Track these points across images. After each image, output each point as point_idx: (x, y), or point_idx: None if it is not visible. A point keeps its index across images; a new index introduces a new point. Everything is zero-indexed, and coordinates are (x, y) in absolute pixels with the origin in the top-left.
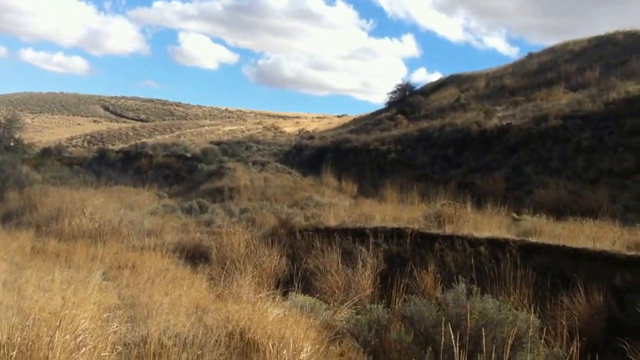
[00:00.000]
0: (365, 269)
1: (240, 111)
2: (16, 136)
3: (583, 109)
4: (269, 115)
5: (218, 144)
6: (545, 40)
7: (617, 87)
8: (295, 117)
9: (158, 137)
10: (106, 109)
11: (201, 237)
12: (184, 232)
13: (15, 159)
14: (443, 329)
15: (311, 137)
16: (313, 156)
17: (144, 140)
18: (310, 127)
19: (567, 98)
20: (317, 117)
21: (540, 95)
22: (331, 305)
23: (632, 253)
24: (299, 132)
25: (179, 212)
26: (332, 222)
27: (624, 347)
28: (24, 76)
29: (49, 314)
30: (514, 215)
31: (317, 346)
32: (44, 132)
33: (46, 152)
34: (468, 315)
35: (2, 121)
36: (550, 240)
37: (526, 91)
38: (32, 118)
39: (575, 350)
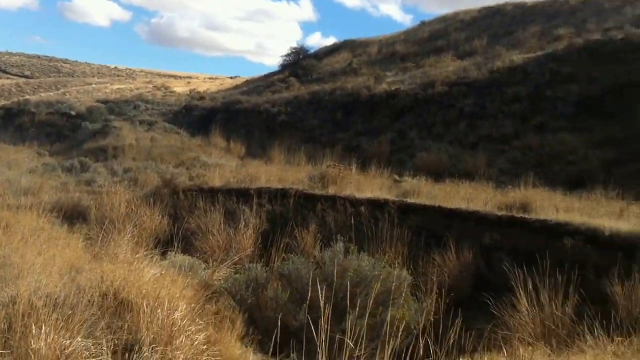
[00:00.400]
0: (247, 229)
1: (130, 70)
2: None
3: (469, 77)
4: (160, 75)
5: (105, 102)
6: (438, 9)
7: (503, 56)
8: (187, 78)
9: (42, 95)
10: None
11: (81, 196)
12: (63, 191)
13: None
14: (319, 286)
15: (202, 98)
16: (203, 117)
17: (28, 97)
18: (202, 88)
19: (455, 66)
20: (210, 78)
21: (429, 62)
22: (211, 265)
23: (502, 214)
24: (190, 93)
25: (59, 171)
26: (217, 183)
27: (489, 302)
28: None
29: None
30: (396, 177)
31: (192, 305)
32: None
33: None
34: (336, 272)
35: None
36: (428, 201)
37: (417, 58)
38: None
39: (442, 304)
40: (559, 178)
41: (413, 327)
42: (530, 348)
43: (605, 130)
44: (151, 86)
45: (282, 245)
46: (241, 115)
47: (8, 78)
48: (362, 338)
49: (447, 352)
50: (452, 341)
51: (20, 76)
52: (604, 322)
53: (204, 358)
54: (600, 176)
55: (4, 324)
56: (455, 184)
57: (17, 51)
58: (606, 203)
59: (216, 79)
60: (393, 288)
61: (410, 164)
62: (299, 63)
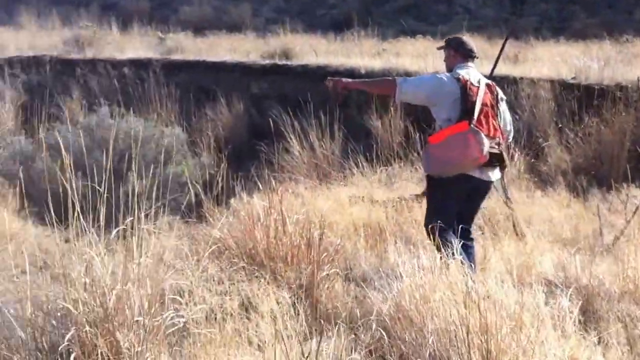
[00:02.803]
0: (4, 103)
1: None
2: None
3: None
4: None
5: None
6: None
7: None
8: None
9: None
10: None
11: None
12: None
13: None
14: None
15: None
16: None
17: None
18: None
19: None
20: None
21: None
22: None
23: (267, 62)
24: None
25: None
26: None
27: (262, 148)
28: None
29: None
30: (160, 34)
31: None
32: None
33: None
34: (108, 136)
35: None
36: (192, 56)
37: None
38: None
39: (223, 155)
40: (323, 23)
41: (194, 182)
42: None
43: None
44: None
45: (44, 115)
46: None
47: None
48: (145, 197)
49: (217, 199)
50: (220, 186)
51: None
52: (367, 155)
53: None
54: (360, 18)
55: None
56: (219, 37)
57: None
58: (363, 43)
59: None
60: (169, 145)
61: (174, 19)
62: None
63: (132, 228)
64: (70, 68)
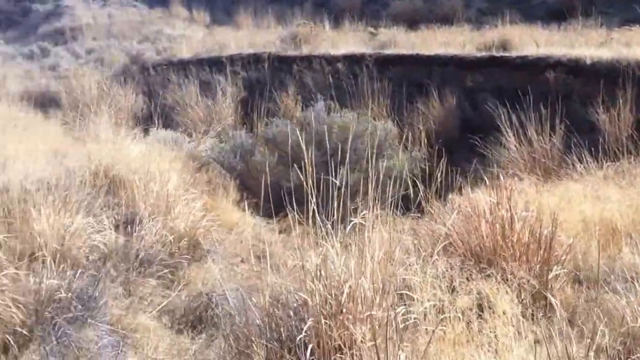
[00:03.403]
0: (225, 98)
1: None
2: None
3: None
4: None
5: None
6: None
7: None
8: None
9: None
10: None
11: (48, 82)
12: (28, 79)
13: None
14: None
15: None
16: None
17: None
18: None
19: None
20: None
21: None
22: (194, 137)
23: (482, 54)
24: None
25: (19, 59)
26: (186, 54)
27: (476, 142)
28: None
29: None
30: (371, 29)
31: (184, 176)
32: None
33: None
34: (322, 130)
35: None
36: (405, 50)
37: None
38: None
39: (434, 151)
40: (538, 12)
41: (405, 176)
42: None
43: None
44: None
45: (262, 110)
46: None
47: None
48: (358, 191)
49: (437, 192)
50: (439, 181)
51: None
52: (592, 149)
53: (204, 223)
54: (580, 6)
55: (2, 210)
56: (432, 30)
57: None
58: (586, 32)
59: None
60: (381, 140)
61: (385, 13)
62: None
63: (358, 223)
64: (286, 64)
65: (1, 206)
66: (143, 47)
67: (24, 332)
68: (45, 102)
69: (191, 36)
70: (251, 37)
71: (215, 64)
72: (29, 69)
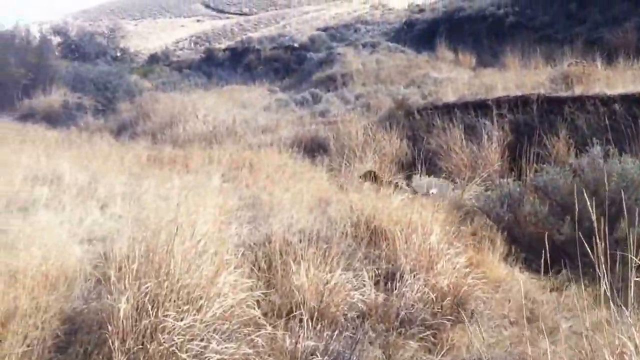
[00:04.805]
0: (491, 143)
1: None
2: (121, 46)
3: None
4: None
5: (325, 29)
6: None
7: None
8: None
9: (263, 30)
10: (207, 5)
11: (317, 128)
12: (299, 125)
13: (122, 69)
14: (576, 197)
15: (421, 10)
16: (425, 30)
17: (250, 34)
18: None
19: None
20: None
21: None
22: (458, 184)
23: None
24: (408, 7)
25: (292, 105)
26: (451, 98)
27: None
28: None
29: (167, 222)
30: None
31: (447, 227)
32: (149, 38)
33: (154, 59)
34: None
35: (105, 31)
36: None
37: None
38: (135, 24)
39: None
40: None
41: None
42: None
43: None
44: (368, 6)
45: (531, 156)
46: (465, 23)
47: (227, 17)
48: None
49: None
50: None
51: (239, 14)
52: None
53: (469, 281)
54: None
55: (263, 262)
56: None
57: None
58: None
59: None
60: None
61: None
62: None
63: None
64: (557, 106)
65: (263, 258)
66: (409, 91)
67: None
68: (314, 147)
69: (456, 79)
70: (518, 78)
71: (481, 107)
72: (301, 115)
